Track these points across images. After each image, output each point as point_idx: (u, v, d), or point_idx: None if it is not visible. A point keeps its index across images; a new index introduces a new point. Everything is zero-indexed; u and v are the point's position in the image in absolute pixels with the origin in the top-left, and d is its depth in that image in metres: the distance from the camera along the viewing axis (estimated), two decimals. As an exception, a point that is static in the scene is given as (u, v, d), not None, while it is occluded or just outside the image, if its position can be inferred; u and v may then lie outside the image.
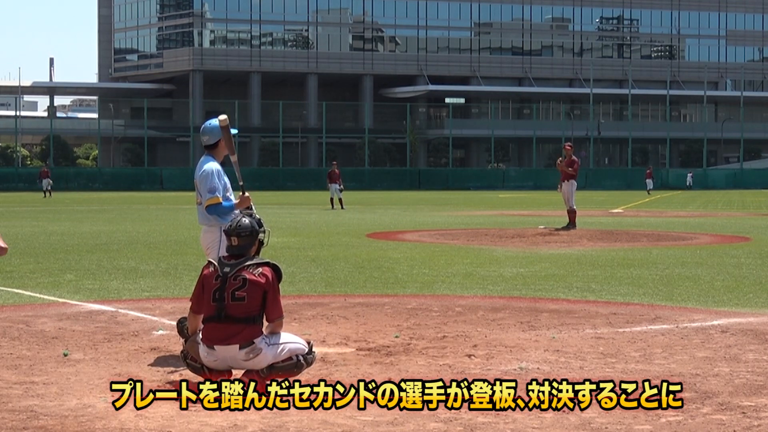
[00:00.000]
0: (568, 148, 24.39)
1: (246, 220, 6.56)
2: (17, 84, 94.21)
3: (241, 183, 7.93)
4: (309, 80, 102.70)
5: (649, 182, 67.51)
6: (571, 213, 23.78)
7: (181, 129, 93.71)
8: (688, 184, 79.96)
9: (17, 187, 69.93)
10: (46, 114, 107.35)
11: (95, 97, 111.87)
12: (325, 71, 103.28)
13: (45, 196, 54.85)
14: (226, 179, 7.88)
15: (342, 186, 39.54)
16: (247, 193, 7.84)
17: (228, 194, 7.85)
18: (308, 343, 6.58)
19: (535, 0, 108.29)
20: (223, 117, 7.87)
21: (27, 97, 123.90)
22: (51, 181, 57.65)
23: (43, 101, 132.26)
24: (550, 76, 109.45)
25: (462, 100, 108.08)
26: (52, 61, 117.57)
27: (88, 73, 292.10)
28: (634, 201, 49.71)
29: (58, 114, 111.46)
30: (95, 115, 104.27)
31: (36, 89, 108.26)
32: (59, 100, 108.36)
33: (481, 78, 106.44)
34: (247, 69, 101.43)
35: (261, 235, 6.63)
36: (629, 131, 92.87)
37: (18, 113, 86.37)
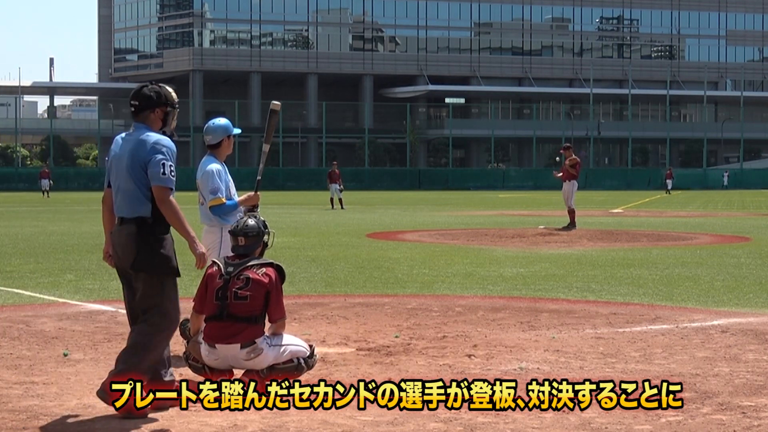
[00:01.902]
0: (562, 151, 24.50)
1: (252, 221, 6.56)
2: (17, 84, 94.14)
3: (258, 178, 7.93)
4: (309, 80, 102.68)
5: (669, 182, 68.42)
6: (571, 213, 23.84)
7: (181, 129, 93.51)
8: (724, 183, 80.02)
9: (17, 187, 69.85)
10: (45, 114, 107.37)
11: (95, 97, 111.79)
12: (325, 71, 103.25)
13: (44, 196, 54.84)
14: (228, 178, 7.87)
15: (342, 186, 39.54)
16: (258, 192, 7.84)
17: (231, 194, 7.85)
18: (310, 346, 6.58)
19: (535, 0, 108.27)
20: (276, 102, 8.06)
21: (27, 97, 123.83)
22: (51, 182, 57.65)
23: (43, 101, 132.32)
24: (550, 76, 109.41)
25: (462, 100, 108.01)
26: (52, 61, 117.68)
27: (88, 73, 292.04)
28: (635, 200, 49.68)
29: (58, 114, 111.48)
30: (95, 115, 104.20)
31: (36, 89, 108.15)
32: (59, 100, 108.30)
33: (481, 78, 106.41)
34: (247, 69, 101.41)
35: (265, 237, 6.63)
36: (629, 131, 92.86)
37: (18, 113, 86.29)
